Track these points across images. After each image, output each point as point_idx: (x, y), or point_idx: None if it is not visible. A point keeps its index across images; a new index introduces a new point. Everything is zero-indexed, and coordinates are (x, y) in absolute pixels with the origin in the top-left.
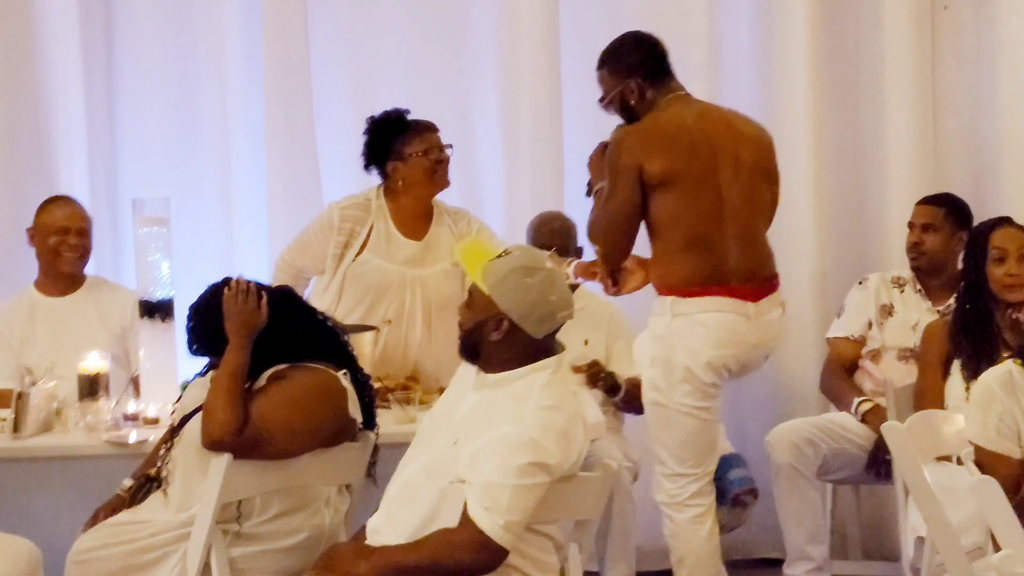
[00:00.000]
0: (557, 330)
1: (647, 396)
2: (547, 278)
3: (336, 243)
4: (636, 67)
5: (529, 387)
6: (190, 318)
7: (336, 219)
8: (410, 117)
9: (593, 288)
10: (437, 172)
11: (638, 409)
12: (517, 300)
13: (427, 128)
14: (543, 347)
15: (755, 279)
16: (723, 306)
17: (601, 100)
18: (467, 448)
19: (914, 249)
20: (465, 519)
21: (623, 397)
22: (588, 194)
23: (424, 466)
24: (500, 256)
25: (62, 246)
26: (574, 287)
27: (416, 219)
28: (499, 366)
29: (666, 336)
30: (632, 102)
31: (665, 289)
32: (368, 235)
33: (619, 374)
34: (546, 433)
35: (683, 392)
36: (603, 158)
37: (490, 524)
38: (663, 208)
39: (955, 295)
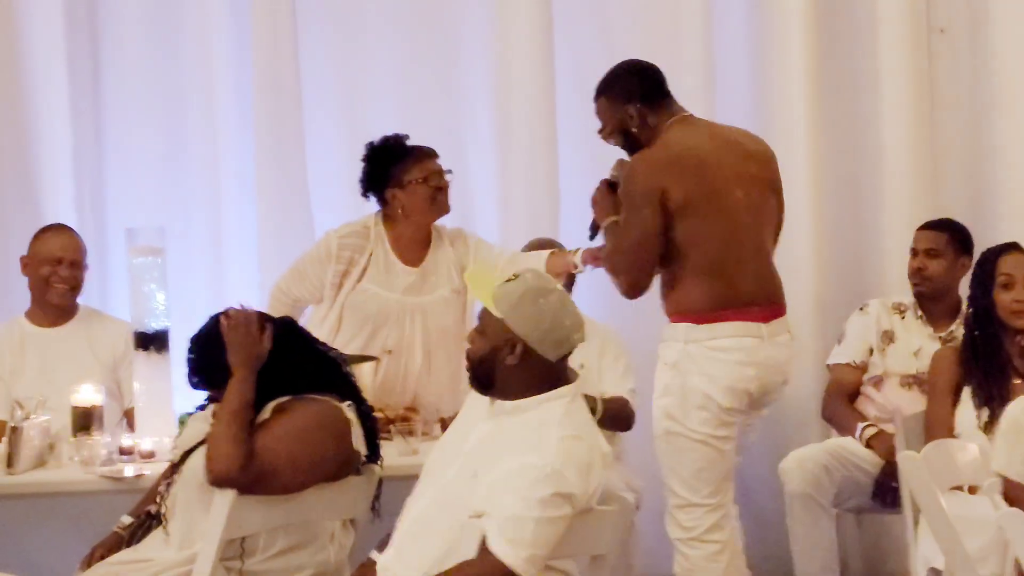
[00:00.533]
0: (569, 355)
1: (659, 426)
2: (560, 300)
3: (335, 272)
4: (634, 93)
5: (548, 415)
6: (191, 349)
7: (334, 248)
8: (409, 143)
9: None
10: (437, 199)
11: (622, 425)
12: (532, 323)
13: (427, 154)
14: (558, 372)
15: (765, 301)
16: (738, 330)
17: (601, 131)
18: (484, 479)
19: (917, 275)
20: (484, 552)
21: (601, 418)
22: (592, 236)
23: (436, 500)
24: (510, 280)
25: (53, 277)
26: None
27: (415, 245)
28: (515, 393)
29: (680, 362)
30: (633, 129)
31: (678, 315)
32: (367, 263)
33: (597, 396)
34: (568, 464)
35: (699, 419)
36: (609, 195)
37: (514, 558)
38: (679, 234)
39: (957, 321)
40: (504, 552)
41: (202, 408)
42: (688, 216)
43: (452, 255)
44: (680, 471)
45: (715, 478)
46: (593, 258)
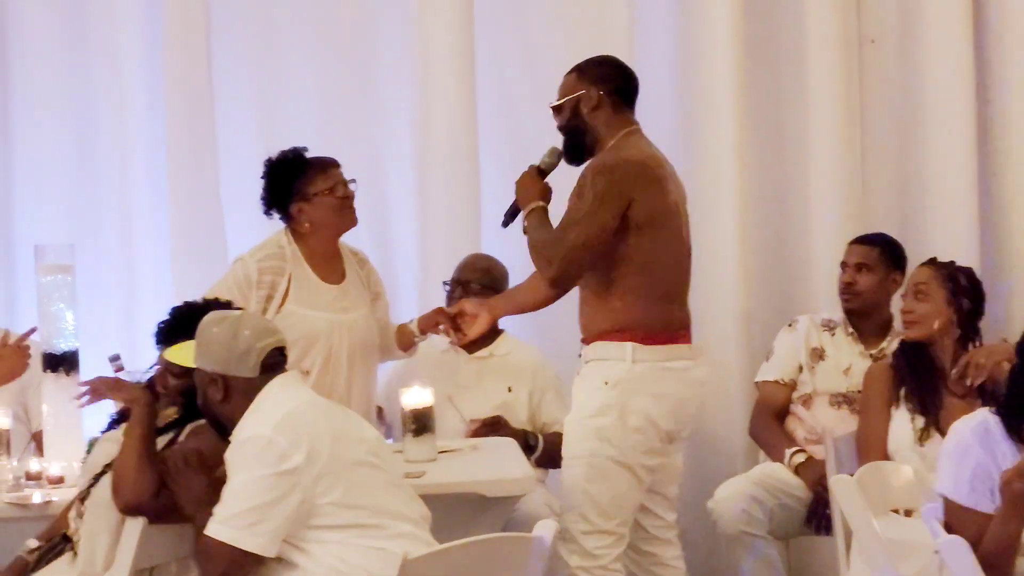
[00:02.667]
0: (277, 362)
1: (584, 445)
2: (233, 322)
3: (258, 298)
4: (608, 82)
5: (257, 407)
6: None
7: (254, 274)
8: (309, 155)
9: (518, 334)
10: (344, 209)
11: (557, 464)
12: (214, 353)
13: (330, 164)
14: (267, 381)
15: (688, 324)
16: (682, 353)
17: (554, 104)
18: None
19: (848, 290)
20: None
21: (540, 455)
22: (506, 223)
23: None
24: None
25: None
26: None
27: (329, 261)
28: (239, 418)
29: (623, 381)
30: (584, 111)
31: (624, 334)
32: (288, 285)
33: (537, 431)
34: (261, 424)
35: (633, 443)
36: (537, 180)
37: (210, 527)
38: (637, 249)
39: (888, 338)
40: (208, 528)
41: (110, 428)
42: (646, 233)
43: (361, 273)
44: (598, 496)
45: (630, 507)
46: (427, 324)
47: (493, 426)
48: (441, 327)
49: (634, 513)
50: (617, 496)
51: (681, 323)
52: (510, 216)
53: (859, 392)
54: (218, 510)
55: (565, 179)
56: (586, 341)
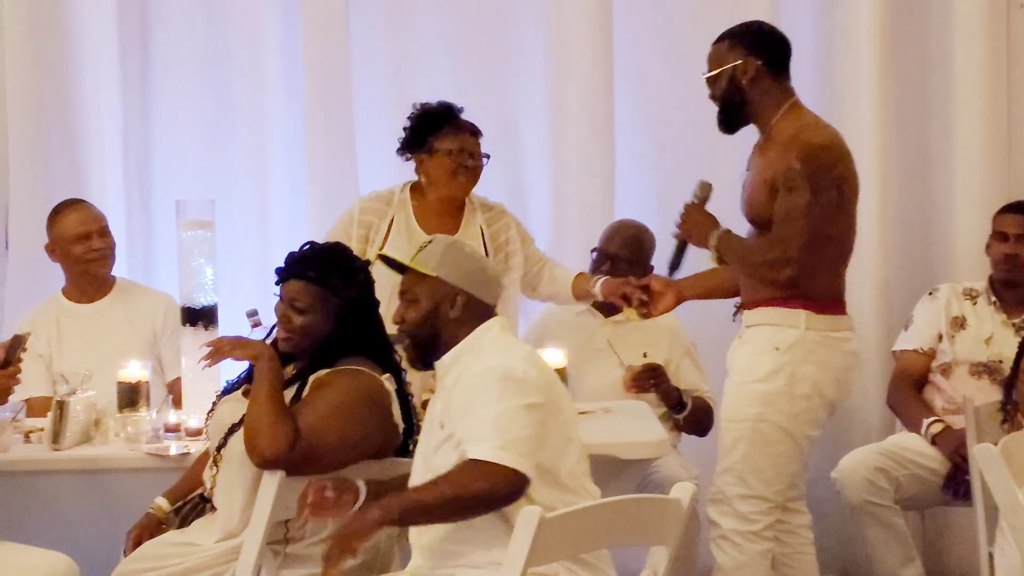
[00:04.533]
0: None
1: (748, 410)
2: (477, 248)
3: (357, 237)
4: (763, 49)
5: (481, 339)
6: None
7: (356, 212)
8: (460, 117)
9: None
10: (458, 176)
11: (702, 431)
12: (465, 270)
13: (465, 129)
14: (489, 317)
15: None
16: (845, 323)
17: (707, 74)
18: (456, 430)
19: (1009, 261)
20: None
21: (688, 415)
22: (673, 269)
23: (424, 473)
24: (425, 246)
25: (88, 252)
26: (603, 304)
27: (440, 217)
28: (457, 343)
29: (795, 348)
30: (743, 82)
31: (797, 301)
32: (388, 230)
33: (686, 391)
34: (509, 357)
35: (800, 410)
36: (703, 215)
37: (484, 451)
38: (836, 226)
39: None
40: (474, 451)
41: (229, 390)
42: (842, 208)
43: (485, 227)
44: (759, 462)
45: (789, 476)
46: (613, 291)
47: (653, 373)
48: (632, 296)
49: (792, 482)
50: (778, 463)
51: (843, 293)
52: (676, 260)
53: (1000, 362)
54: (489, 435)
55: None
56: (748, 306)
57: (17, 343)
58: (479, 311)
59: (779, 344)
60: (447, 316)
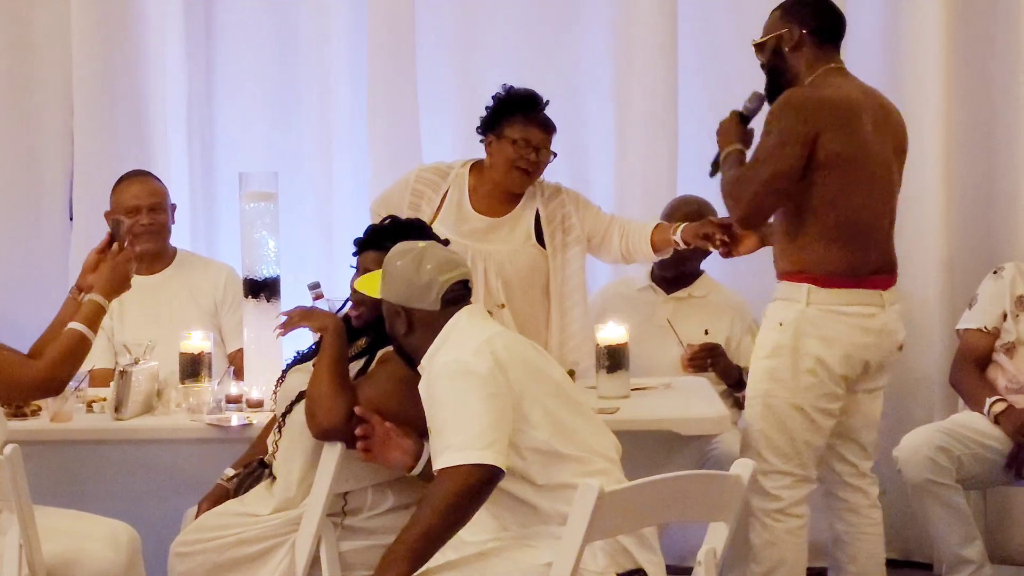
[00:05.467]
0: (461, 295)
1: (759, 387)
2: (417, 255)
3: (409, 204)
4: (807, 20)
5: (448, 337)
6: None
7: (412, 179)
8: (540, 110)
9: (717, 277)
10: (516, 168)
11: None
12: (396, 286)
13: (538, 123)
14: (449, 315)
15: (887, 269)
16: (862, 298)
17: (756, 41)
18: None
19: None
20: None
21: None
22: (713, 173)
23: None
24: None
25: (135, 227)
26: (670, 267)
27: (492, 199)
28: (423, 351)
29: (796, 323)
30: (786, 49)
31: (800, 275)
32: (441, 204)
33: (746, 369)
34: (460, 351)
35: (806, 385)
36: (737, 126)
37: (445, 459)
38: (822, 188)
39: None
40: (441, 462)
41: (299, 360)
42: (833, 170)
43: (542, 209)
44: (774, 437)
45: (808, 450)
46: (693, 235)
47: (711, 352)
48: (713, 236)
49: (815, 455)
50: (793, 438)
51: (872, 267)
52: (716, 165)
53: None
54: (449, 440)
55: None
56: (778, 279)
57: (119, 227)
58: (428, 319)
59: (782, 319)
60: (400, 332)
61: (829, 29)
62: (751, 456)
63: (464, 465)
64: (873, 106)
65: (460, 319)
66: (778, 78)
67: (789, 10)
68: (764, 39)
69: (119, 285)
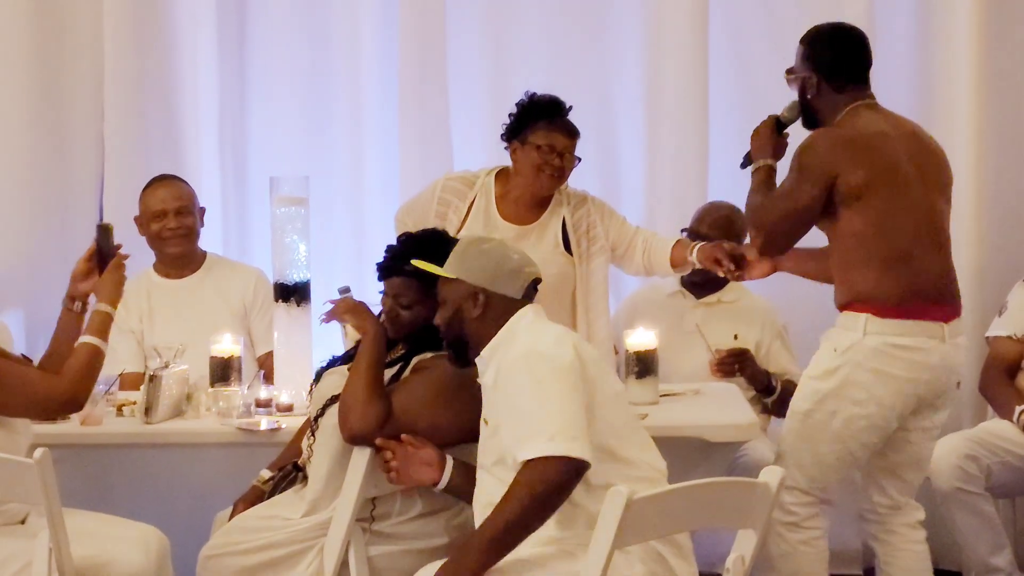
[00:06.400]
0: (531, 293)
1: (803, 404)
2: (500, 243)
3: (435, 213)
4: (822, 65)
5: (514, 330)
6: None
7: (439, 189)
8: (564, 115)
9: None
10: (542, 173)
11: None
12: (481, 267)
13: (561, 128)
14: (523, 305)
15: (949, 299)
16: (923, 330)
17: (788, 72)
18: (503, 425)
19: None
20: (518, 472)
21: (777, 398)
22: (743, 165)
23: (481, 471)
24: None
25: (163, 231)
26: (699, 272)
27: (519, 206)
28: (487, 340)
29: (851, 352)
30: (808, 96)
31: (858, 304)
32: (468, 212)
33: (775, 375)
34: (539, 342)
35: (849, 416)
36: (772, 134)
37: (533, 449)
38: (864, 219)
39: None
40: (529, 452)
41: (336, 363)
42: (870, 202)
43: (568, 217)
44: (803, 457)
45: (834, 477)
46: (707, 257)
47: (739, 357)
48: (723, 261)
49: (840, 483)
50: (822, 463)
51: (931, 297)
52: (748, 158)
53: None
54: (535, 428)
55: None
56: (838, 308)
57: (105, 234)
58: (505, 306)
59: (838, 346)
60: (470, 316)
61: (848, 69)
62: (782, 464)
63: (554, 456)
64: (905, 136)
65: (527, 314)
66: (809, 113)
67: (809, 52)
68: (792, 77)
69: (120, 292)
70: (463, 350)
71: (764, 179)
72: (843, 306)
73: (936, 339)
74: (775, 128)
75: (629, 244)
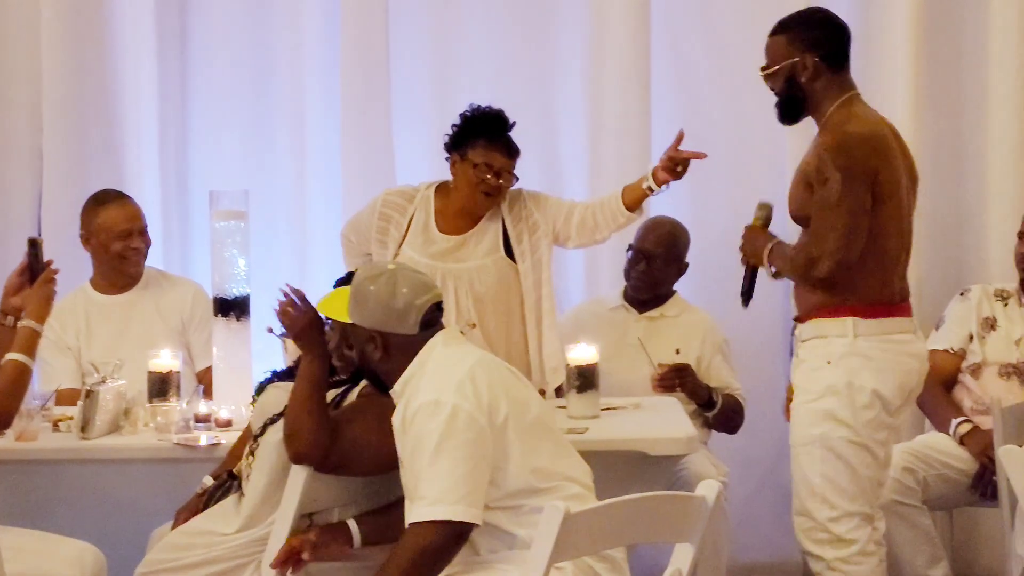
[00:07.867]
0: (436, 317)
1: (814, 431)
2: (389, 278)
3: (377, 228)
4: (821, 44)
5: (425, 362)
6: None
7: (379, 204)
8: (506, 131)
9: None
10: (479, 190)
11: (732, 428)
12: (370, 311)
13: (501, 147)
14: (425, 339)
15: (907, 295)
16: (903, 325)
17: (764, 69)
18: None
19: None
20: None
21: (717, 413)
22: (747, 301)
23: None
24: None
25: (127, 250)
26: (642, 288)
27: (459, 219)
28: (397, 375)
29: (847, 357)
30: (802, 80)
31: (845, 309)
32: (408, 227)
33: (716, 389)
34: (443, 389)
35: (864, 420)
36: (762, 232)
37: (417, 513)
38: (866, 218)
39: None
40: (413, 515)
41: (279, 377)
42: (879, 204)
43: (507, 217)
44: (837, 479)
45: (872, 486)
46: (665, 170)
47: (680, 372)
48: (677, 161)
49: (878, 491)
50: (857, 476)
51: (901, 295)
52: (747, 292)
53: None
54: (422, 491)
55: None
56: (801, 319)
57: (34, 248)
58: (405, 343)
59: (830, 357)
60: (374, 358)
61: (840, 50)
62: (814, 504)
63: (435, 521)
64: (893, 134)
65: (436, 345)
66: (795, 104)
67: (798, 36)
68: (776, 68)
69: (49, 308)
70: (381, 384)
71: (779, 252)
72: (816, 310)
73: (911, 332)
74: (761, 227)
75: (568, 212)
